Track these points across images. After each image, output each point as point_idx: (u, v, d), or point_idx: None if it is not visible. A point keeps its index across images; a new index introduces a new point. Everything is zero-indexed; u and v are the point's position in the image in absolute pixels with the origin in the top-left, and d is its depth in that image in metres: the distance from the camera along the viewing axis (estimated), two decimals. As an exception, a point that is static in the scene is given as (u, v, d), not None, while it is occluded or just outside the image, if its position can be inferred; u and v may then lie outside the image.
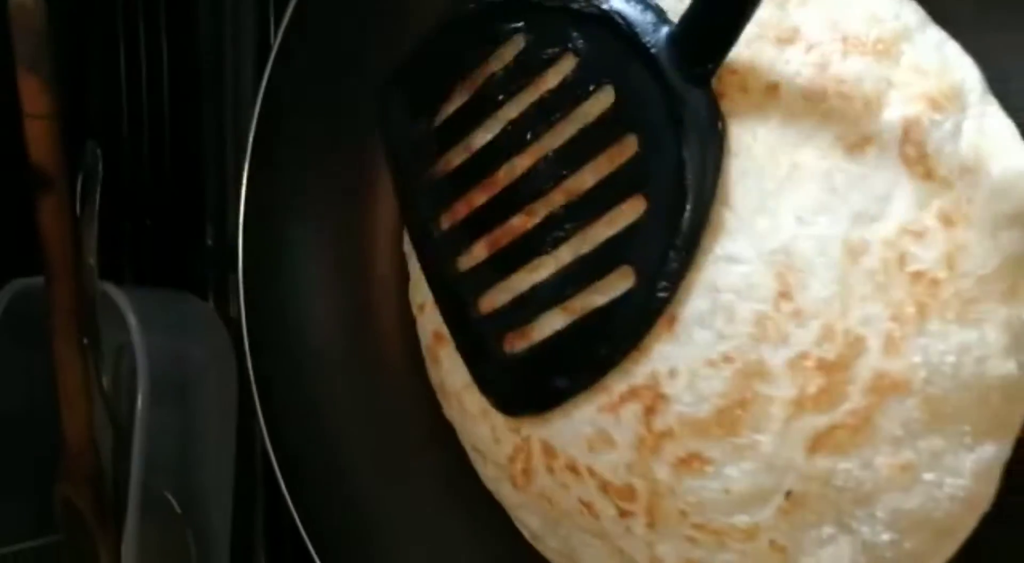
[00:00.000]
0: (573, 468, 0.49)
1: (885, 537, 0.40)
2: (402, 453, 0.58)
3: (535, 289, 0.47)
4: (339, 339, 0.58)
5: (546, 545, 0.53)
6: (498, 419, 0.52)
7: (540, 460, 0.50)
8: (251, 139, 0.55)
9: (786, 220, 0.41)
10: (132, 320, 0.64)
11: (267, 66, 0.54)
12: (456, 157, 0.50)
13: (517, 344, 0.48)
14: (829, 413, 0.39)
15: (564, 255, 0.47)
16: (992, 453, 0.38)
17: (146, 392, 0.64)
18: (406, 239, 0.57)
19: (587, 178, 0.45)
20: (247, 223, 0.56)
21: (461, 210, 0.50)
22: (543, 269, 0.48)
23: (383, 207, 0.58)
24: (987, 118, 0.38)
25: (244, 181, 0.56)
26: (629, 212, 0.44)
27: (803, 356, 0.40)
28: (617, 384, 0.47)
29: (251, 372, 0.55)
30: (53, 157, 0.65)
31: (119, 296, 0.66)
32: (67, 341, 0.68)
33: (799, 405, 0.40)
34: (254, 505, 0.72)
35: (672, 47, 0.41)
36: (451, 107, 0.50)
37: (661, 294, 0.43)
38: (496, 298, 0.49)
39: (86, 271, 0.67)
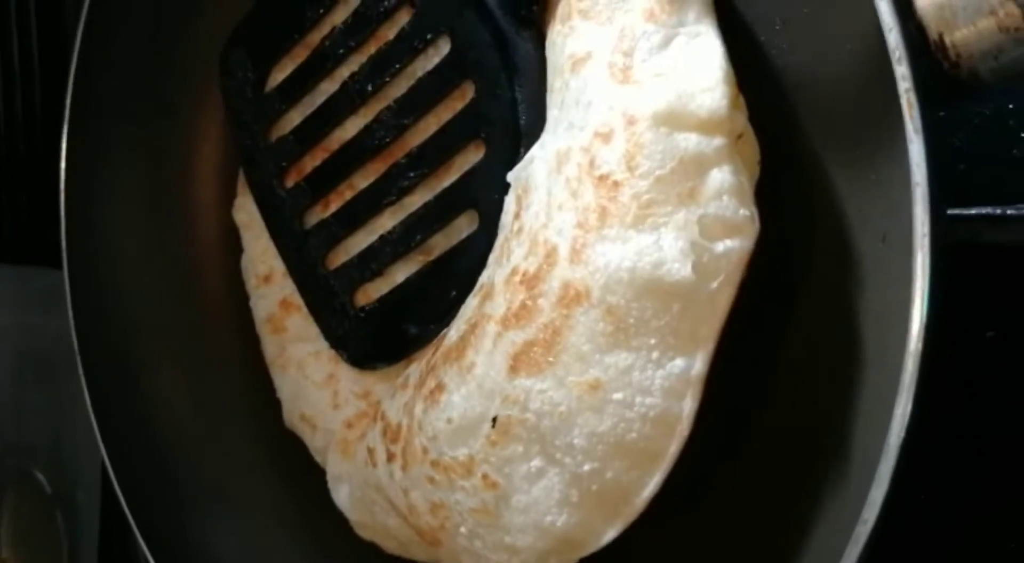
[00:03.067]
0: (375, 416, 0.51)
1: (587, 467, 0.38)
2: (222, 419, 0.61)
3: (383, 240, 0.50)
4: (163, 305, 0.62)
5: (354, 520, 0.53)
6: (343, 384, 0.55)
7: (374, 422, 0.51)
8: (68, 101, 0.59)
9: (536, 146, 0.43)
10: (-15, 297, 0.67)
11: (79, 26, 0.58)
12: (298, 115, 0.54)
13: (368, 297, 0.51)
14: (526, 328, 0.40)
15: (410, 205, 0.50)
16: (681, 368, 0.37)
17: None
18: (236, 208, 0.60)
19: (429, 127, 0.49)
20: (68, 189, 0.60)
21: (305, 167, 0.54)
22: (390, 220, 0.51)
23: (207, 174, 0.62)
24: (700, 37, 0.39)
25: (64, 144, 0.59)
26: (470, 157, 0.48)
27: (514, 272, 0.41)
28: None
29: (74, 338, 0.58)
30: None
31: (-28, 272, 0.68)
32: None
33: (505, 322, 0.41)
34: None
35: None
36: (292, 65, 0.54)
37: None
38: (344, 253, 0.52)
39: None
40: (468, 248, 0.47)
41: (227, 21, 0.55)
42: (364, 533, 0.53)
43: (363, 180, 0.52)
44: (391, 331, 0.50)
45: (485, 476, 0.42)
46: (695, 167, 0.37)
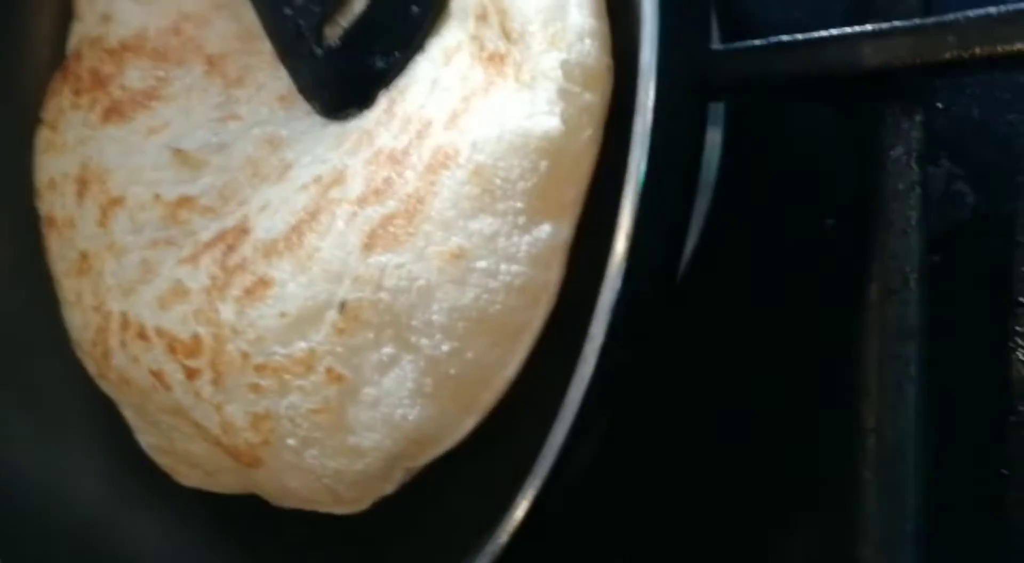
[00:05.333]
0: (142, 334, 0.46)
1: (445, 347, 0.38)
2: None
3: None
4: None
5: (149, 443, 0.50)
6: (87, 301, 0.50)
7: (116, 336, 0.48)
8: None
9: (419, 54, 0.43)
10: None
11: None
12: None
13: (334, 33, 0.47)
14: (387, 202, 0.39)
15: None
16: (548, 234, 0.37)
17: None
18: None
19: None
20: None
21: None
22: None
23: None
24: None
25: None
26: None
27: (378, 152, 0.41)
28: (204, 232, 0.47)
29: None
30: None
31: None
32: None
33: (362, 201, 0.39)
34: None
35: None
36: None
37: None
38: None
39: None
40: None
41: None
42: (162, 460, 0.49)
43: None
44: (358, 69, 0.46)
45: (329, 370, 0.39)
46: (555, 12, 0.37)
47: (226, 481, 0.48)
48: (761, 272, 0.45)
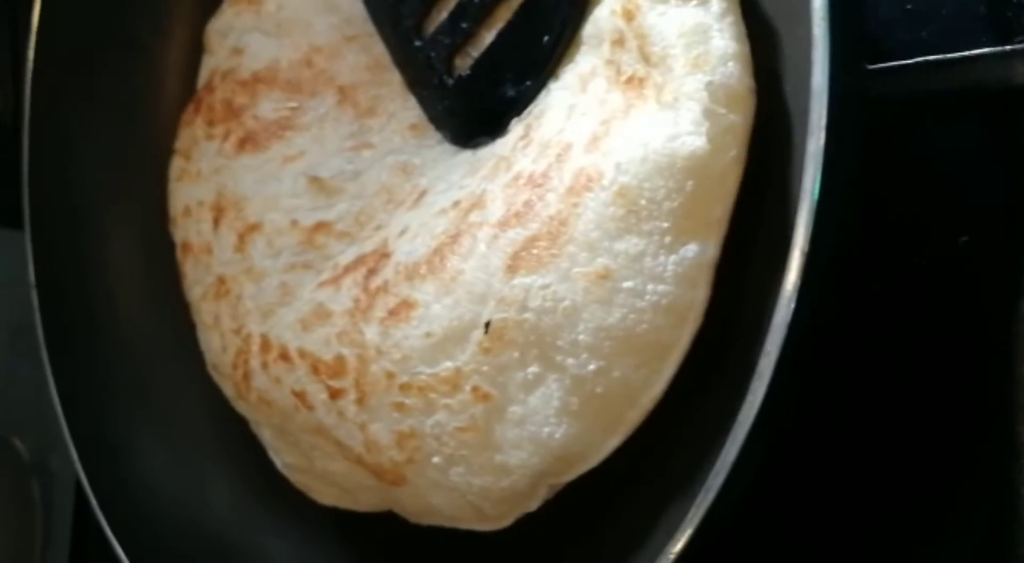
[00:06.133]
0: (285, 355, 0.48)
1: (592, 367, 0.38)
2: (176, 361, 0.59)
3: None
4: (129, 258, 0.61)
5: (285, 462, 0.52)
6: (225, 324, 0.52)
7: (256, 358, 0.50)
8: (32, 46, 0.59)
9: (551, 81, 0.44)
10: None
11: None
12: None
13: (464, 63, 0.49)
14: (529, 225, 0.39)
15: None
16: (695, 253, 0.37)
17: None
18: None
19: None
20: (32, 143, 0.59)
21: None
22: None
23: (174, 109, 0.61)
24: None
25: (27, 94, 0.59)
26: None
27: (517, 176, 0.42)
28: (342, 256, 0.49)
29: (34, 300, 0.58)
30: None
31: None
32: None
33: (504, 223, 0.40)
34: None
35: None
36: None
37: None
38: (436, 16, 0.49)
39: None
40: None
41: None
42: (298, 478, 0.51)
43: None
44: (489, 98, 0.47)
45: (476, 388, 0.40)
46: (698, 36, 0.38)
47: (365, 499, 0.49)
48: (896, 287, 0.45)
